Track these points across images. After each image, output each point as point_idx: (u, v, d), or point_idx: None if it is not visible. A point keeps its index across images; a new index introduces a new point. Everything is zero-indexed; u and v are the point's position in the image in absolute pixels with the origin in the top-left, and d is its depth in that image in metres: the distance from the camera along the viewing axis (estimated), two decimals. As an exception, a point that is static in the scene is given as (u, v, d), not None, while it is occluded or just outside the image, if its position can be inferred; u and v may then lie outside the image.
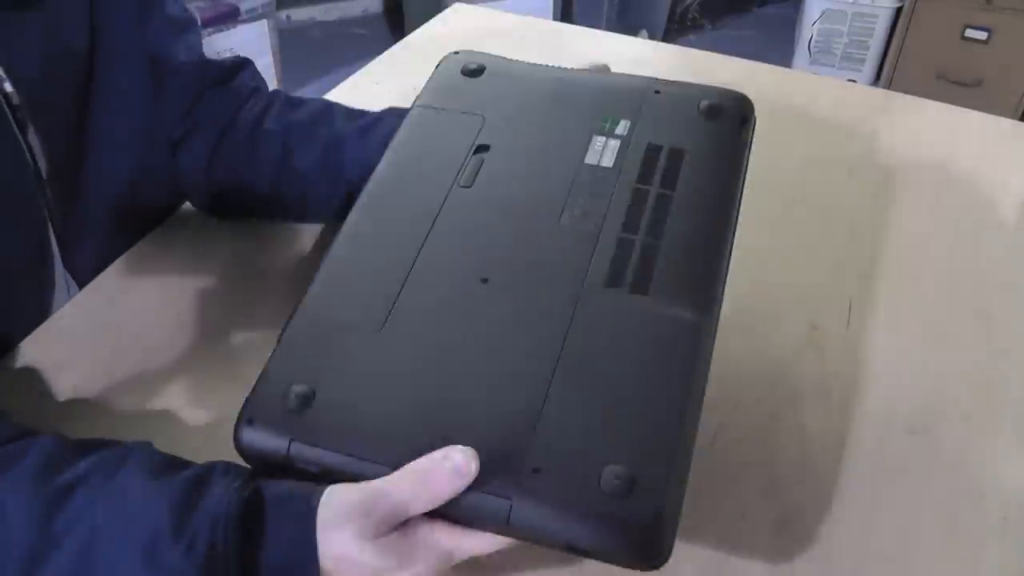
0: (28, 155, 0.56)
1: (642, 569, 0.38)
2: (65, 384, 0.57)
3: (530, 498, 0.38)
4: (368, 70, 0.96)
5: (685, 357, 0.42)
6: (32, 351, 0.60)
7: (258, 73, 0.74)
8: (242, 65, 0.72)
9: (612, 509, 0.38)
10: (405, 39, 1.03)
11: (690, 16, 2.79)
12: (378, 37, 2.64)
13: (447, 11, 1.09)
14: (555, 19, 2.36)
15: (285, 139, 0.66)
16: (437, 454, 0.38)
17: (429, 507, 0.39)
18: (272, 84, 2.21)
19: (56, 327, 0.62)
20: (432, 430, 0.40)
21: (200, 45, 0.70)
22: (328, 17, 2.72)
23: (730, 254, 0.48)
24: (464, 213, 0.49)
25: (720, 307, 0.46)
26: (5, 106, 0.54)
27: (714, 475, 0.53)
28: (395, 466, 0.39)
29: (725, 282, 0.47)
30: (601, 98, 0.55)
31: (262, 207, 0.70)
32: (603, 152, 0.51)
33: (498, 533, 0.40)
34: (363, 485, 0.39)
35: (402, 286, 0.45)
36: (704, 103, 0.54)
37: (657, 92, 0.55)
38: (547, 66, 0.60)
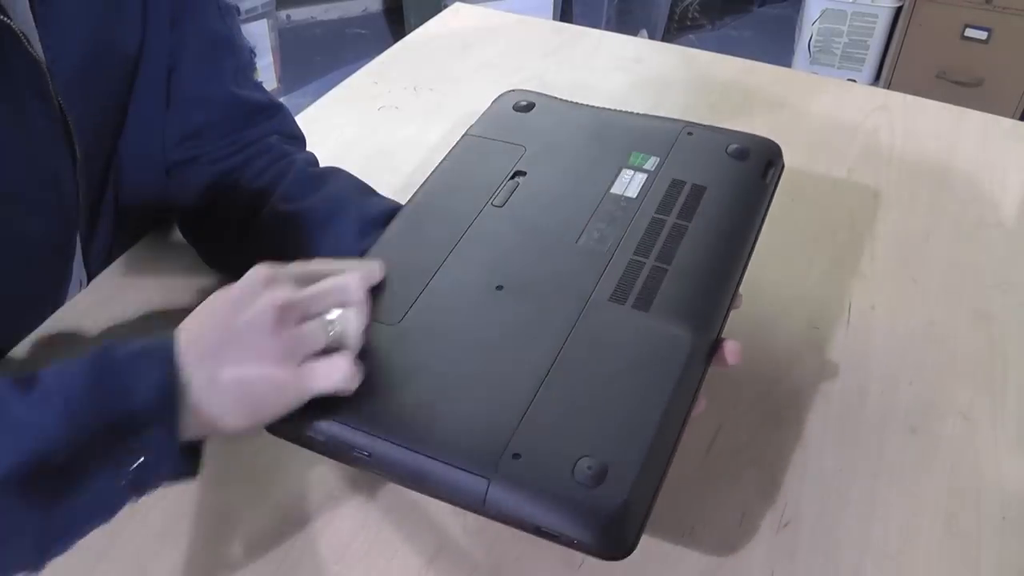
0: (68, 140, 0.56)
1: (605, 558, 0.40)
2: (65, 384, 0.57)
3: (506, 480, 0.40)
4: (368, 70, 0.96)
5: (672, 368, 0.44)
6: (34, 348, 0.60)
7: (291, 121, 0.68)
8: (270, 110, 0.67)
9: (580, 496, 0.39)
10: (405, 39, 1.03)
11: (690, 16, 2.79)
12: (378, 37, 2.65)
13: (447, 11, 1.09)
14: (555, 19, 2.37)
15: (283, 231, 0.59)
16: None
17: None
18: (272, 84, 2.22)
19: (57, 326, 0.62)
20: (424, 409, 0.43)
21: (233, 72, 0.65)
22: (328, 17, 2.72)
23: (738, 286, 0.50)
24: (492, 229, 0.53)
25: (719, 333, 0.48)
26: (52, 91, 0.53)
27: (714, 475, 0.53)
28: (386, 437, 0.43)
29: (729, 313, 0.49)
30: (635, 135, 0.59)
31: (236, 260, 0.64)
32: (629, 184, 0.55)
33: (475, 512, 0.42)
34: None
35: (424, 287, 0.49)
36: (732, 146, 0.57)
37: (690, 133, 0.58)
38: (593, 106, 0.63)
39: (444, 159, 0.59)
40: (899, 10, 2.15)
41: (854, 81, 2.24)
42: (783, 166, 0.58)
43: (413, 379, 0.45)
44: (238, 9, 2.05)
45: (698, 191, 0.54)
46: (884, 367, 0.60)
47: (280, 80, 2.26)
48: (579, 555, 0.48)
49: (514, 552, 0.49)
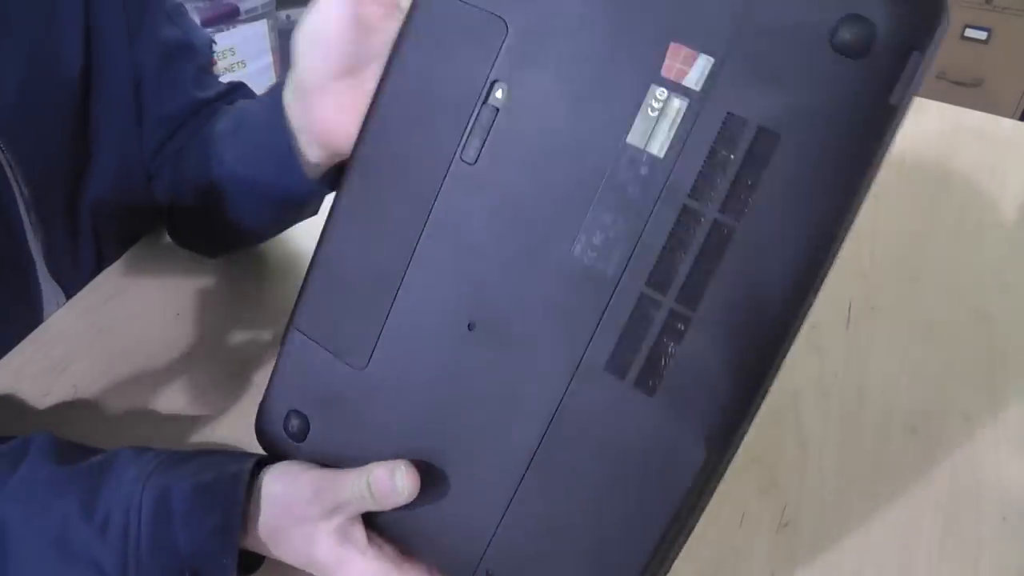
0: (4, 178, 0.56)
1: None
2: (65, 384, 0.57)
3: None
4: (368, 70, 0.96)
5: (673, 491, 0.35)
6: (31, 352, 0.60)
7: (248, 92, 0.68)
8: (230, 90, 0.67)
9: None
10: (405, 39, 1.03)
11: (690, 16, 2.78)
12: (378, 37, 2.64)
13: (447, 11, 1.09)
14: (555, 19, 2.36)
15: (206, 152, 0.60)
16: (389, 464, 0.39)
17: (363, 510, 0.40)
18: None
19: (55, 328, 0.62)
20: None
21: (194, 77, 0.64)
22: (328, 17, 2.72)
23: (788, 348, 0.36)
24: (461, 211, 0.38)
25: (738, 446, 0.37)
26: None
27: (714, 475, 0.53)
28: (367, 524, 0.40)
29: (762, 401, 0.36)
30: (677, 12, 0.33)
31: (232, 238, 0.65)
32: (657, 124, 0.33)
33: None
34: (317, 472, 0.41)
35: (385, 319, 0.40)
36: (842, 29, 0.30)
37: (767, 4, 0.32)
38: None
39: (395, 52, 0.40)
40: (899, 10, 2.15)
41: (854, 81, 2.23)
42: (937, 42, 0.30)
43: (388, 448, 0.40)
44: (237, 10, 2.05)
45: (766, 143, 0.31)
46: (884, 367, 0.60)
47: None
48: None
49: None
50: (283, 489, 0.41)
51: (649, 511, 0.35)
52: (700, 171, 0.33)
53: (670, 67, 0.33)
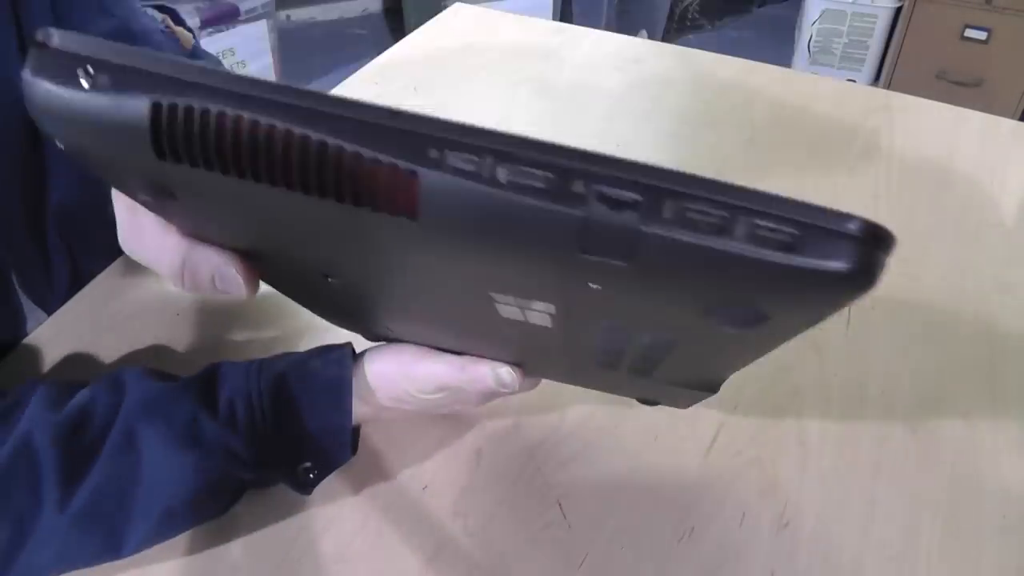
0: None
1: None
2: (65, 384, 0.57)
3: None
4: (368, 70, 0.96)
5: None
6: (32, 351, 0.60)
7: None
8: None
9: None
10: (405, 39, 1.03)
11: (690, 16, 2.79)
12: (378, 37, 2.65)
13: (447, 11, 1.09)
14: (555, 19, 2.37)
15: None
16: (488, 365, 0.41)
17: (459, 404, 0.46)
18: (272, 84, 2.22)
19: (56, 327, 0.62)
20: None
21: None
22: (328, 17, 2.72)
23: None
24: None
25: None
26: None
27: (714, 475, 0.53)
28: None
29: None
30: None
31: None
32: None
33: None
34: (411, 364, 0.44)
35: None
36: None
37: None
38: None
39: None
40: (899, 10, 2.15)
41: (854, 81, 2.24)
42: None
43: None
44: (237, 10, 2.05)
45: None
46: (884, 367, 0.60)
47: (280, 80, 2.26)
48: (579, 553, 0.48)
49: (514, 552, 0.49)
50: (383, 365, 0.45)
51: None
52: None
53: None
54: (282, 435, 0.45)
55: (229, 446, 0.44)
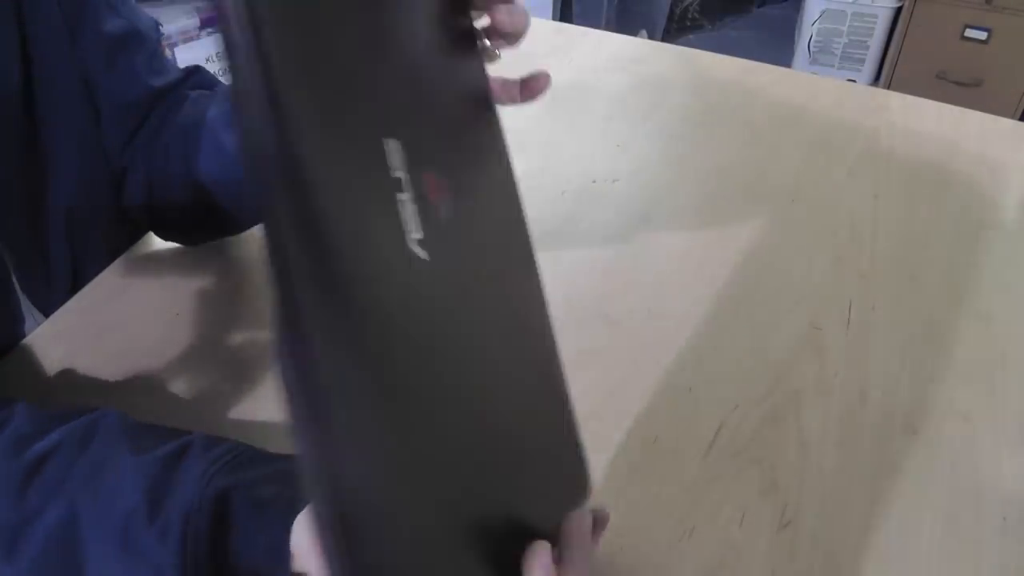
0: None
1: None
2: (65, 384, 0.57)
3: None
4: (368, 70, 0.96)
5: None
6: (32, 351, 0.60)
7: (207, 75, 0.67)
8: (188, 74, 0.65)
9: None
10: (405, 39, 1.03)
11: (690, 16, 2.79)
12: (378, 37, 2.64)
13: (447, 11, 1.09)
14: (555, 19, 2.37)
15: (185, 143, 0.60)
16: None
17: None
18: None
19: (56, 327, 0.62)
20: None
21: (147, 64, 0.63)
22: (328, 17, 2.72)
23: None
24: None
25: None
26: None
27: (714, 475, 0.53)
28: None
29: None
30: None
31: (213, 225, 0.65)
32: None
33: None
34: None
35: None
36: None
37: None
38: None
39: None
40: (899, 10, 2.15)
41: (854, 81, 2.24)
42: None
43: None
44: None
45: None
46: (884, 367, 0.60)
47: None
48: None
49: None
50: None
51: None
52: None
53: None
54: (214, 562, 0.40)
55: (157, 561, 0.40)
